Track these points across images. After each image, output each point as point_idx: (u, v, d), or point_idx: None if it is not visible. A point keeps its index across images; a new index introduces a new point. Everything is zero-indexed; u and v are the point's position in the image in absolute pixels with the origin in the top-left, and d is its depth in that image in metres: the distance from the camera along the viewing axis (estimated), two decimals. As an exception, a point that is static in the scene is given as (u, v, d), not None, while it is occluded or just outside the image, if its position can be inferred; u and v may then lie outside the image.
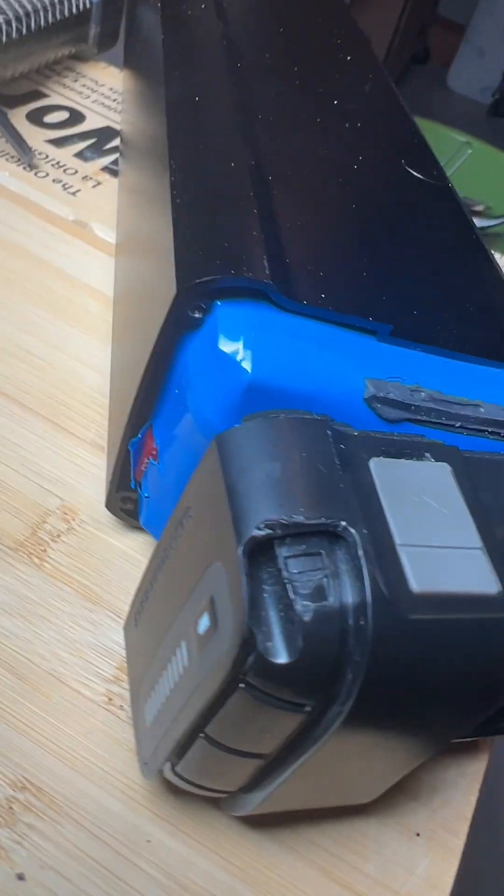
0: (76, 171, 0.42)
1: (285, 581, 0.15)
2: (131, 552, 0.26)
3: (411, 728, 0.17)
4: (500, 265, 0.28)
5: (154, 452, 0.23)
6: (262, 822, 0.21)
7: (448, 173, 0.32)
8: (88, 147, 0.44)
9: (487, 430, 0.22)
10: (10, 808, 0.20)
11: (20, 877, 0.19)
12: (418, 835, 0.22)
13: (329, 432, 0.17)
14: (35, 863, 0.19)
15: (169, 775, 0.19)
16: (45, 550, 0.25)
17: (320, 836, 0.22)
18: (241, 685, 0.16)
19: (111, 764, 0.21)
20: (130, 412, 0.23)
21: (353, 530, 0.16)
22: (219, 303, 0.21)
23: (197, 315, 0.21)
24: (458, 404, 0.21)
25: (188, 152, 0.25)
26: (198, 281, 0.20)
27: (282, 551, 0.15)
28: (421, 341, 0.22)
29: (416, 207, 0.28)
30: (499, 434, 0.22)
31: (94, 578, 0.25)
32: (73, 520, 0.27)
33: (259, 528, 0.15)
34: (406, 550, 0.16)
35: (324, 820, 0.22)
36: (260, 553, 0.15)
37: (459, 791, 0.23)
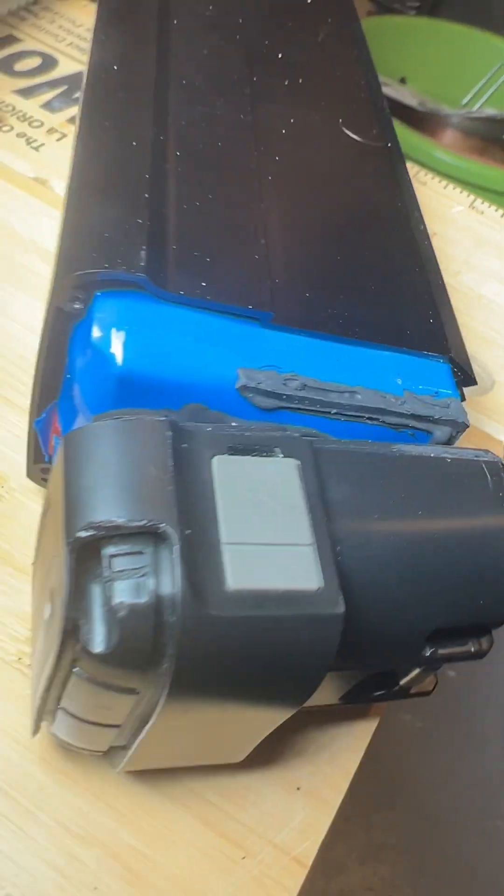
0: (42, 124, 0.42)
1: (106, 579, 0.16)
2: (54, 518, 0.28)
3: (234, 707, 0.18)
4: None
5: (59, 430, 0.24)
6: (153, 775, 0.23)
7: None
8: (57, 96, 0.44)
9: (365, 417, 0.22)
10: None
11: None
12: (299, 788, 0.24)
13: (169, 433, 0.18)
14: None
15: (50, 732, 0.21)
16: (-30, 517, 0.27)
17: (203, 788, 0.23)
18: (74, 669, 0.17)
19: (10, 716, 0.23)
20: (32, 393, 0.24)
21: (172, 531, 0.17)
22: (98, 294, 0.21)
23: (77, 306, 0.21)
24: (335, 392, 0.22)
25: (95, 130, 0.25)
26: (74, 274, 0.21)
27: (107, 550, 0.17)
28: (306, 327, 0.22)
29: (337, 177, 0.28)
30: (377, 420, 0.22)
31: (17, 546, 0.27)
32: (2, 486, 0.28)
33: (84, 531, 0.16)
34: (230, 549, 0.17)
35: (209, 773, 0.24)
36: (89, 552, 0.17)
37: (346, 749, 0.25)
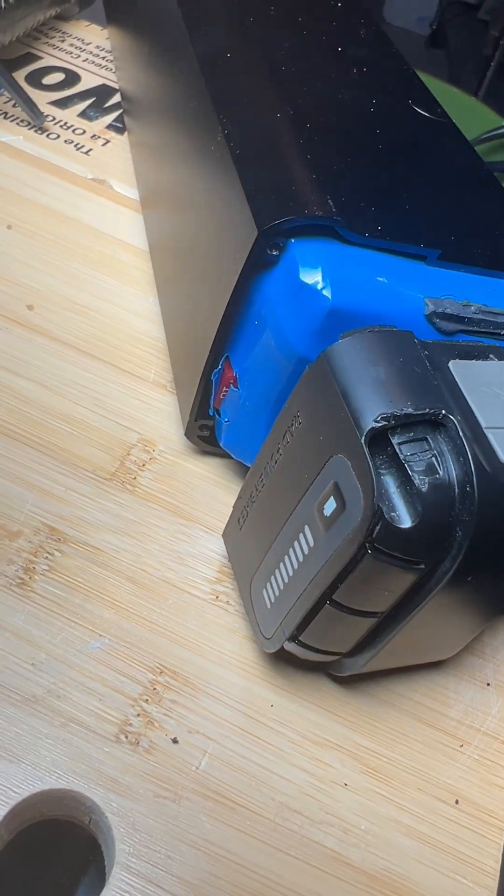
0: (84, 131, 0.44)
1: (403, 462, 0.19)
2: (208, 474, 0.29)
3: (501, 579, 0.21)
4: None
5: (233, 380, 0.26)
6: (359, 684, 0.25)
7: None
8: (90, 106, 0.46)
9: (526, 336, 0.25)
10: (154, 689, 0.23)
11: (174, 741, 0.23)
12: (489, 684, 0.26)
13: (416, 341, 0.20)
14: (184, 729, 0.23)
15: (290, 646, 0.23)
16: (134, 478, 0.28)
17: (408, 691, 0.25)
18: (370, 551, 0.19)
19: (227, 647, 0.25)
20: (211, 347, 0.26)
21: (451, 417, 0.19)
22: (293, 241, 0.23)
23: (274, 253, 0.23)
24: (502, 314, 0.25)
25: (233, 107, 0.28)
26: (276, 222, 0.23)
27: (395, 439, 0.19)
28: (462, 262, 0.25)
29: (432, 143, 0.31)
30: (535, 338, 0.25)
31: (181, 499, 0.28)
32: (153, 450, 0.30)
33: (376, 421, 0.18)
34: (491, 432, 0.19)
35: (408, 679, 0.26)
36: (376, 443, 0.19)
37: (516, 648, 0.27)
